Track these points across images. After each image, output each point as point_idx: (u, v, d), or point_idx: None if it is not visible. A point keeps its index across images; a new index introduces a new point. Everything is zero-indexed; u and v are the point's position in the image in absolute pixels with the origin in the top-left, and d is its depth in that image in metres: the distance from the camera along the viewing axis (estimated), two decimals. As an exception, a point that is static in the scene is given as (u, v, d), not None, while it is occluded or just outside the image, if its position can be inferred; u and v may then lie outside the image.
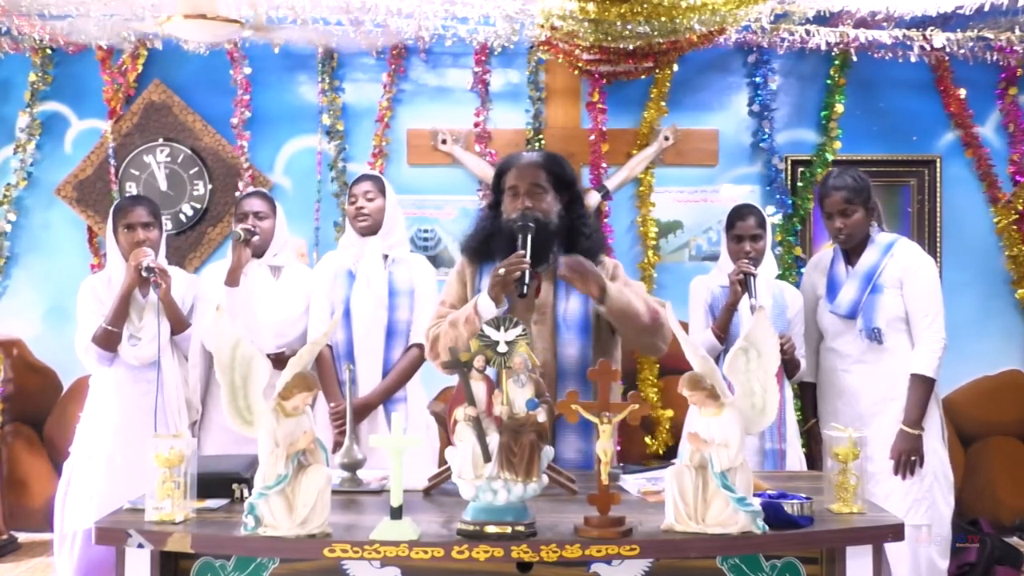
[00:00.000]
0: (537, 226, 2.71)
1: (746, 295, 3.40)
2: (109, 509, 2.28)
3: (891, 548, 2.17)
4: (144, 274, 3.35)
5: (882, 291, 3.46)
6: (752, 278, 3.40)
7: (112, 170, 4.85)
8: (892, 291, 3.46)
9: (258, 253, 3.61)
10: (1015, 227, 4.85)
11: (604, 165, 4.84)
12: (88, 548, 3.44)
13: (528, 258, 2.62)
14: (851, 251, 3.56)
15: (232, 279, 3.46)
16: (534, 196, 2.78)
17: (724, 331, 3.47)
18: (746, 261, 3.46)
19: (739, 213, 3.58)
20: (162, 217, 3.63)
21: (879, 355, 3.46)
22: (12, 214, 4.92)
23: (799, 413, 3.77)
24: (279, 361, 3.16)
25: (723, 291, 3.54)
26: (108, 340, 3.42)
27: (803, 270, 4.62)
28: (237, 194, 4.73)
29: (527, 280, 2.59)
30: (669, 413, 4.79)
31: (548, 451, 2.04)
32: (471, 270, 2.90)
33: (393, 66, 4.88)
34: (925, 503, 3.42)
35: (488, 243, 2.85)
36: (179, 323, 3.50)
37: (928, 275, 3.49)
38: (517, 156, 2.90)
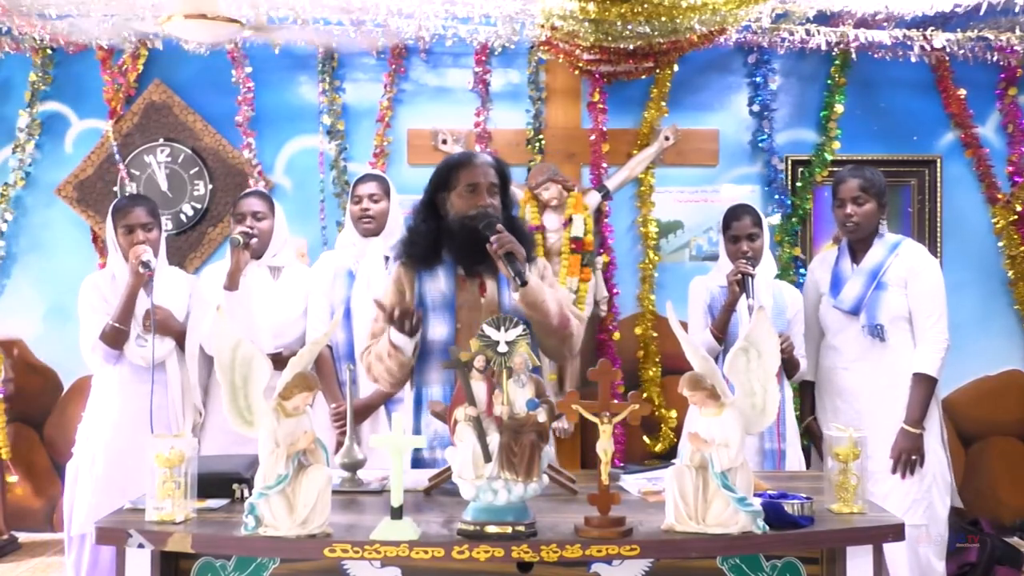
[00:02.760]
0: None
1: (744, 296, 3.41)
2: (111, 509, 2.28)
3: (888, 548, 2.17)
4: (141, 270, 3.36)
5: (886, 288, 3.47)
6: (750, 279, 3.40)
7: (121, 168, 4.84)
8: (896, 289, 3.47)
9: (257, 254, 3.60)
10: (1013, 227, 4.84)
11: (604, 165, 4.83)
12: (98, 549, 3.44)
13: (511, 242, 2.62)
14: (857, 248, 3.58)
15: (231, 283, 3.45)
16: (492, 195, 2.78)
17: (722, 331, 3.48)
18: (744, 262, 3.46)
19: (734, 213, 3.60)
20: (161, 217, 3.63)
21: (880, 353, 3.47)
22: (9, 213, 4.92)
23: (797, 411, 3.77)
24: (277, 362, 3.16)
25: (722, 291, 3.55)
26: (116, 338, 3.43)
27: (803, 270, 4.63)
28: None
29: (522, 269, 2.60)
30: (673, 413, 4.78)
31: (548, 451, 2.04)
32: (408, 277, 2.82)
33: (393, 66, 4.88)
34: (924, 503, 3.43)
35: (434, 247, 2.79)
36: (183, 339, 3.54)
37: (933, 276, 3.51)
38: (470, 154, 2.88)
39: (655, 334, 4.82)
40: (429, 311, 2.78)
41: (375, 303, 2.75)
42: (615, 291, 4.80)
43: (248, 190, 3.86)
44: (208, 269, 3.76)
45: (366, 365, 2.82)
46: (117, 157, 4.84)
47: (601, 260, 4.71)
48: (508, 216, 2.83)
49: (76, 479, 3.53)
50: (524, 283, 2.59)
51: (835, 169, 4.26)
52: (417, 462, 2.80)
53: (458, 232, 2.74)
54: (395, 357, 2.70)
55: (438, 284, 2.79)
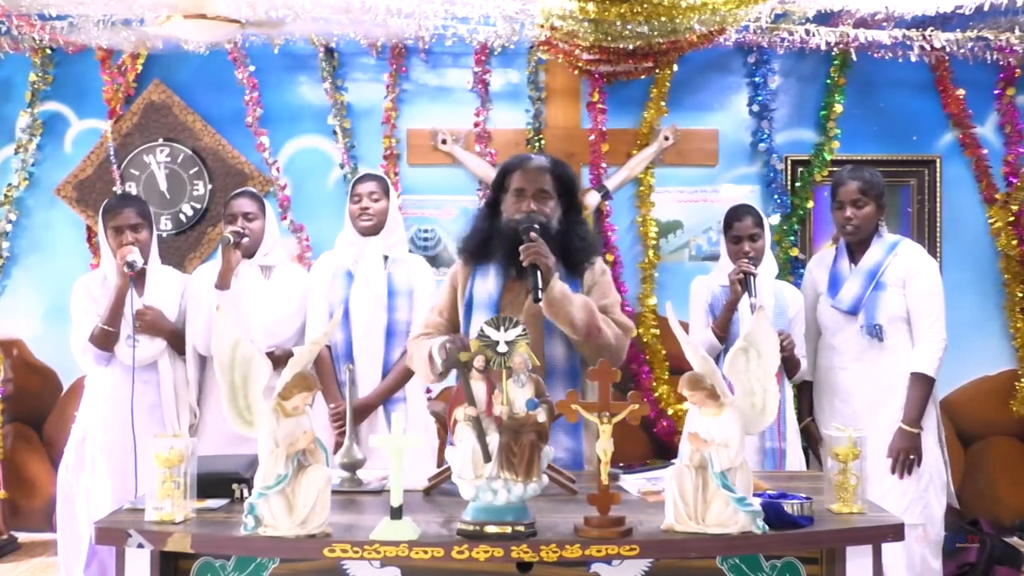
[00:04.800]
0: (540, 228, 2.73)
1: (746, 294, 3.41)
2: (107, 510, 2.28)
3: (884, 548, 2.17)
4: (126, 270, 3.35)
5: (885, 289, 3.47)
6: (752, 277, 3.41)
7: (115, 172, 4.84)
8: (895, 289, 3.48)
9: (249, 254, 3.60)
10: (1010, 228, 4.84)
11: (604, 165, 4.84)
12: (95, 549, 3.43)
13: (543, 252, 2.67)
14: (855, 248, 3.58)
15: (223, 282, 3.45)
16: (539, 200, 2.81)
17: (724, 330, 3.48)
18: (746, 261, 3.46)
19: (736, 214, 3.60)
20: (152, 216, 3.60)
21: (878, 353, 3.48)
22: (13, 214, 4.92)
23: (796, 411, 3.76)
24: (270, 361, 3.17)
25: (723, 291, 3.55)
26: (105, 340, 3.42)
27: (801, 271, 4.63)
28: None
29: (540, 284, 2.62)
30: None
31: (548, 451, 2.04)
32: (464, 273, 2.90)
33: (393, 66, 4.88)
34: (921, 503, 3.44)
35: (487, 244, 2.86)
36: (179, 342, 3.53)
37: (931, 276, 3.51)
38: (525, 158, 2.92)
39: (656, 332, 4.83)
40: (475, 309, 2.83)
41: (426, 326, 2.94)
42: (624, 289, 4.80)
43: (238, 190, 3.86)
44: (200, 269, 3.75)
45: (411, 352, 2.92)
46: (113, 160, 4.84)
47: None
48: (571, 220, 2.86)
49: (70, 480, 3.53)
50: (537, 300, 2.62)
51: (835, 169, 4.25)
52: None
53: (504, 235, 2.79)
54: (429, 367, 2.77)
55: (488, 283, 2.84)
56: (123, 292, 3.39)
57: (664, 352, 4.83)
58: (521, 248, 2.66)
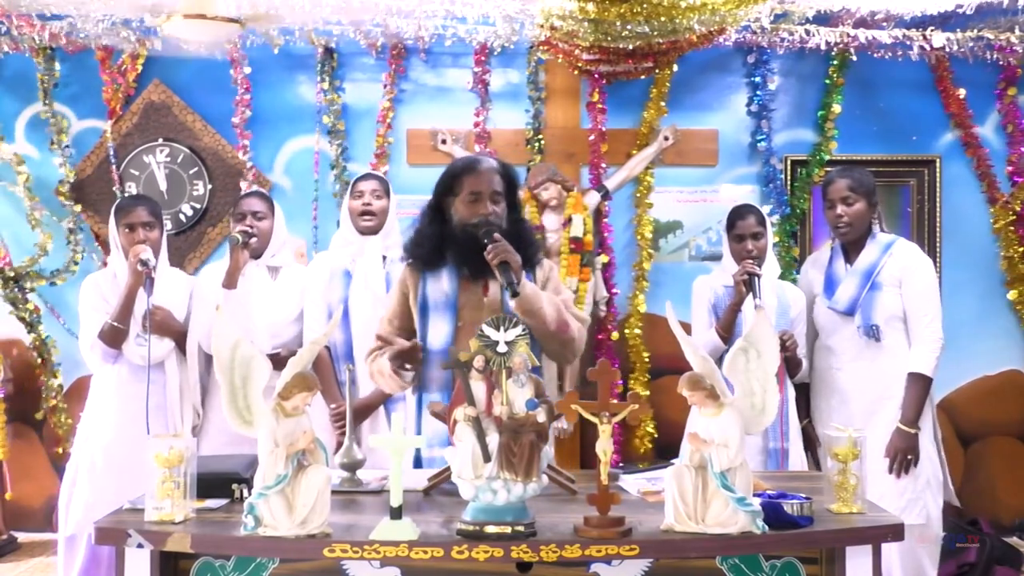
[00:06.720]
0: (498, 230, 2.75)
1: (751, 295, 3.41)
2: (110, 509, 2.28)
3: (882, 548, 2.17)
4: (140, 268, 3.36)
5: (881, 289, 3.48)
6: (756, 279, 3.41)
7: (114, 172, 4.84)
8: (891, 289, 3.48)
9: (256, 254, 3.61)
10: (1012, 227, 4.84)
11: (604, 165, 4.83)
12: (95, 549, 3.44)
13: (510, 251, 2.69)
14: (850, 249, 3.58)
15: (230, 282, 3.46)
16: (494, 202, 2.82)
17: (728, 331, 3.48)
18: (751, 261, 3.46)
19: (739, 213, 3.61)
20: (163, 217, 3.63)
21: (875, 354, 3.48)
22: (77, 206, 4.86)
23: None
24: (274, 362, 3.16)
25: (726, 291, 3.55)
26: (114, 337, 3.43)
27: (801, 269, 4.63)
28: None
29: (515, 280, 2.64)
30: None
31: (548, 451, 2.04)
32: (414, 278, 2.88)
33: (393, 66, 4.88)
34: (919, 503, 3.43)
35: (439, 250, 2.84)
36: (186, 343, 3.54)
37: (927, 275, 3.51)
38: (475, 160, 2.93)
39: (638, 332, 4.82)
40: (431, 311, 2.83)
41: (377, 338, 2.90)
42: (614, 291, 4.80)
43: (248, 190, 3.87)
44: (208, 268, 3.76)
45: (369, 371, 2.90)
46: (112, 160, 4.84)
47: (600, 260, 4.70)
48: (515, 220, 2.88)
49: (75, 479, 3.53)
50: (515, 294, 2.64)
51: (830, 170, 4.26)
52: (417, 462, 2.82)
53: (460, 238, 2.79)
54: (395, 380, 2.80)
55: (441, 284, 2.84)
56: (135, 289, 3.41)
57: (647, 356, 4.81)
58: (489, 248, 2.67)
